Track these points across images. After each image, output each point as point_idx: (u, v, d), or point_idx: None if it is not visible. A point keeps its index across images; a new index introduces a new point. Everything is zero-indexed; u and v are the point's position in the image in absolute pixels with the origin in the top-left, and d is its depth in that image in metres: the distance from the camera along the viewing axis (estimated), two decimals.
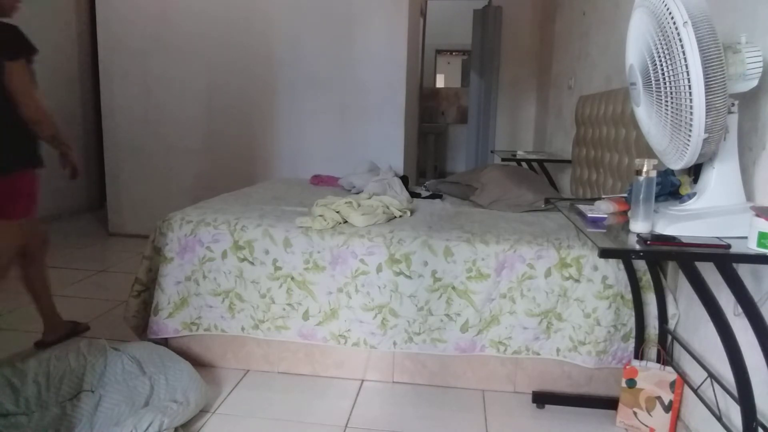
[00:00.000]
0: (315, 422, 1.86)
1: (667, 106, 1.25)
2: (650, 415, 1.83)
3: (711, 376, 1.57)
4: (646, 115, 1.37)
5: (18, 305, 2.82)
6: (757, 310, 1.23)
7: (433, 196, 2.93)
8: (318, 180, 3.37)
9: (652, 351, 1.95)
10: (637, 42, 1.33)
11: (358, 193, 2.73)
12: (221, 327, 2.13)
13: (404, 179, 3.05)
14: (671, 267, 1.97)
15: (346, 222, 2.18)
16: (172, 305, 2.13)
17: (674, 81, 1.20)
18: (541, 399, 2.01)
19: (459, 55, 7.32)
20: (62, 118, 4.90)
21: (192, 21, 4.01)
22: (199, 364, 2.15)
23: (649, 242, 1.20)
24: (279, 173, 4.10)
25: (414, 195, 2.92)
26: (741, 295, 1.23)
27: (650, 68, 1.27)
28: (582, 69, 3.49)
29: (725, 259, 1.19)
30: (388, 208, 2.31)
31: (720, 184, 1.33)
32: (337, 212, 2.20)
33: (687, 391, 1.77)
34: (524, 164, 3.75)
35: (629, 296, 1.93)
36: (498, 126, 5.49)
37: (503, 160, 3.67)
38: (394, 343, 2.05)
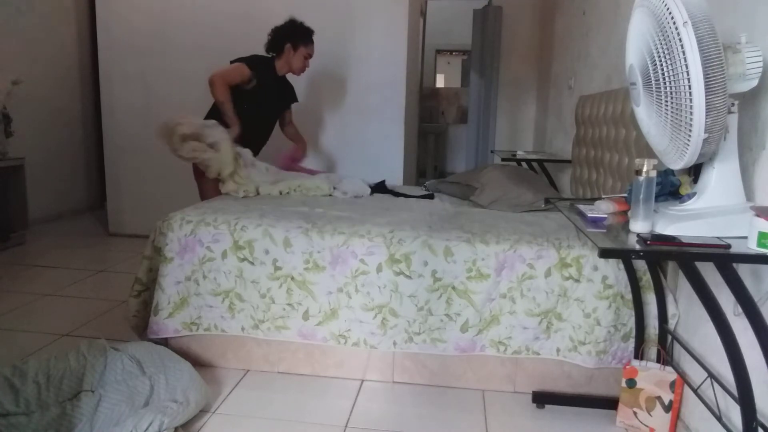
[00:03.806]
0: (315, 422, 1.86)
1: (667, 106, 1.25)
2: (650, 415, 1.83)
3: (711, 376, 1.57)
4: (646, 115, 1.37)
5: (18, 305, 2.82)
6: (757, 310, 1.23)
7: (424, 197, 2.94)
8: (291, 164, 3.28)
9: (652, 351, 1.95)
10: (637, 42, 1.33)
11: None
12: (221, 327, 2.13)
13: (381, 184, 3.16)
14: (671, 267, 1.97)
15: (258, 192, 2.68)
16: (172, 305, 2.13)
17: (674, 81, 1.20)
18: (541, 399, 2.01)
19: (459, 55, 7.33)
20: (62, 117, 4.91)
21: (192, 21, 4.01)
22: (199, 364, 2.16)
23: (649, 242, 1.20)
24: None
25: (406, 196, 2.95)
26: (741, 295, 1.23)
27: (650, 68, 1.27)
28: (582, 69, 3.49)
29: (725, 259, 1.19)
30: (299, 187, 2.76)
31: (720, 184, 1.33)
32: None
33: (687, 391, 1.77)
34: (524, 164, 3.75)
35: (629, 296, 1.93)
36: (498, 126, 5.48)
37: (503, 160, 3.67)
38: (394, 343, 2.05)
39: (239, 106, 2.87)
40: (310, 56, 3.01)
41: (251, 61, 2.89)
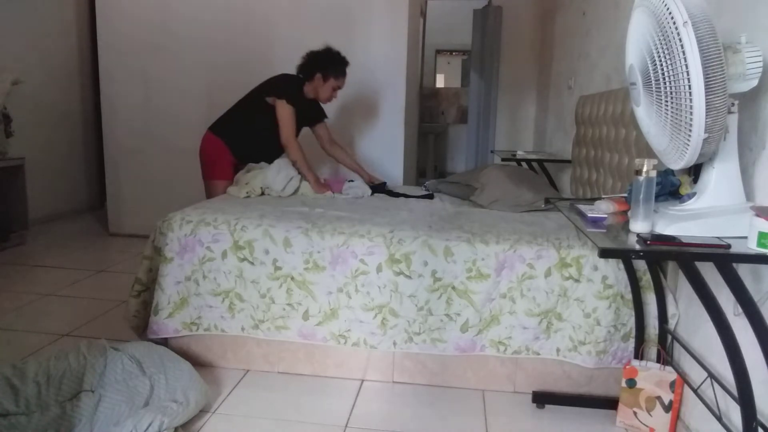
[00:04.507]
0: (315, 422, 1.86)
1: (667, 106, 1.25)
2: (650, 415, 1.83)
3: (711, 376, 1.57)
4: (646, 115, 1.37)
5: (18, 305, 2.82)
6: (757, 310, 1.23)
7: (424, 197, 2.94)
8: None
9: (652, 351, 1.95)
10: (637, 42, 1.33)
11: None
12: (221, 327, 2.13)
13: (382, 185, 3.13)
14: (671, 267, 1.97)
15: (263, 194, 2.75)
16: (172, 305, 2.13)
17: (674, 81, 1.20)
18: (541, 399, 2.01)
19: (459, 55, 7.32)
20: (62, 117, 4.91)
21: (192, 21, 4.01)
22: (199, 364, 2.16)
23: (649, 242, 1.20)
24: None
25: (406, 196, 2.95)
26: (741, 295, 1.23)
27: (650, 68, 1.27)
28: (582, 69, 3.49)
29: (725, 259, 1.19)
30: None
31: (720, 184, 1.33)
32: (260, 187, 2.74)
33: (687, 391, 1.77)
34: (524, 164, 3.75)
35: (629, 296, 1.93)
36: (498, 126, 5.48)
37: (503, 160, 3.67)
38: (394, 343, 2.05)
39: (264, 120, 2.85)
40: (340, 88, 2.96)
41: (286, 92, 2.84)
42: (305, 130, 3.10)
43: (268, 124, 2.84)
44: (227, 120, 2.99)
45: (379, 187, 3.08)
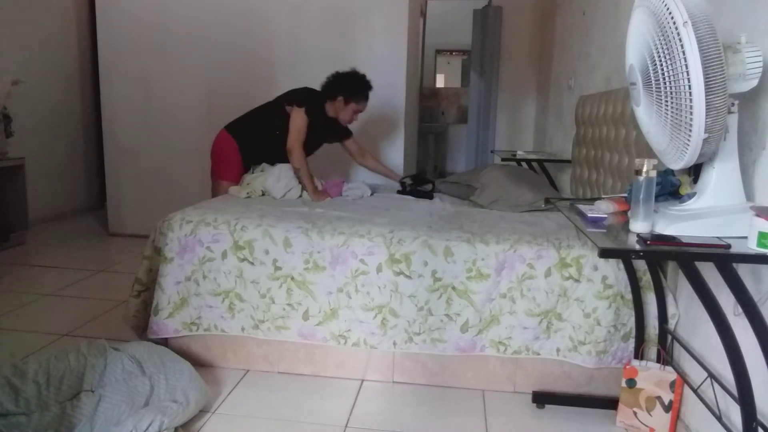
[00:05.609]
0: (315, 422, 1.86)
1: (667, 106, 1.25)
2: (650, 415, 1.83)
3: (711, 376, 1.57)
4: (646, 115, 1.37)
5: (18, 305, 2.82)
6: (757, 310, 1.23)
7: (420, 194, 2.94)
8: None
9: (652, 351, 1.95)
10: (637, 42, 1.33)
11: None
12: (221, 327, 2.13)
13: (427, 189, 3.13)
14: (671, 267, 1.97)
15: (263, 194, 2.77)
16: (172, 305, 2.13)
17: (674, 81, 1.20)
18: (541, 399, 2.01)
19: (459, 55, 7.32)
20: (62, 117, 4.91)
21: (192, 21, 4.01)
22: (199, 364, 2.15)
23: (649, 242, 1.20)
24: None
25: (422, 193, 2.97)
26: (741, 295, 1.23)
27: (650, 68, 1.27)
28: (582, 69, 3.49)
29: (725, 259, 1.18)
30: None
31: (720, 183, 1.33)
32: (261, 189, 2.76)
33: (687, 391, 1.77)
34: (524, 164, 3.75)
35: (629, 296, 1.93)
36: (498, 126, 5.48)
37: (503, 160, 3.67)
38: (394, 343, 2.05)
39: (279, 128, 2.85)
40: (361, 111, 2.96)
41: (306, 102, 2.84)
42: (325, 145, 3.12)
43: (283, 132, 2.83)
44: (243, 122, 2.99)
45: (419, 180, 3.11)
